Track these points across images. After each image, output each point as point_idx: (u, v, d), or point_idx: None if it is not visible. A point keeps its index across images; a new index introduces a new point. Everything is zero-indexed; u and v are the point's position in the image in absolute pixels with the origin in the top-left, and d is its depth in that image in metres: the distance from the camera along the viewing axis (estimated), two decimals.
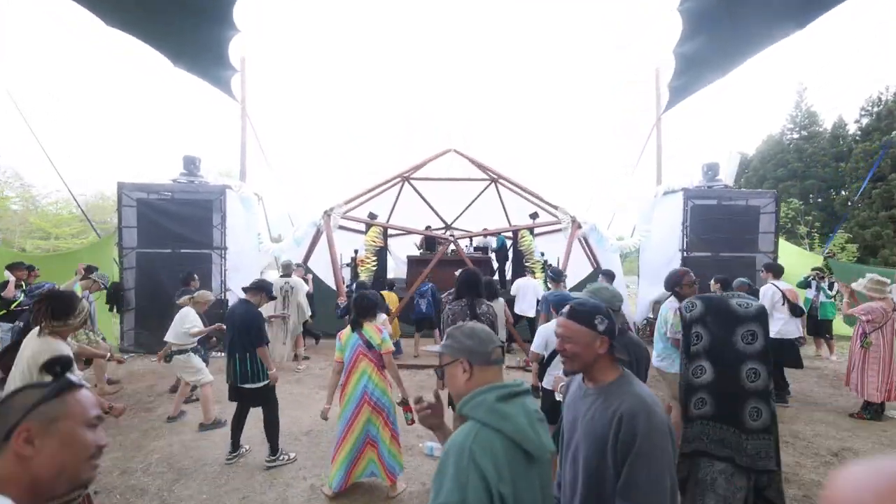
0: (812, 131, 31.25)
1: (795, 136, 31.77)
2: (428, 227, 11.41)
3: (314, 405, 5.19)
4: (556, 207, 8.04)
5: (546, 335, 3.48)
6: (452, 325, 3.53)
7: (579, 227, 7.79)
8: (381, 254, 10.14)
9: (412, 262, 10.06)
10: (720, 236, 7.58)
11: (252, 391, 3.72)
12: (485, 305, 3.27)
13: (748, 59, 7.58)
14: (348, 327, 3.34)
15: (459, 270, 3.50)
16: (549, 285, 5.75)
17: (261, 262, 9.19)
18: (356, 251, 10.11)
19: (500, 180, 10.74)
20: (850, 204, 25.23)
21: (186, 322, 4.46)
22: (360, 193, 8.58)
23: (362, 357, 3.24)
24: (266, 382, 3.76)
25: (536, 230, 10.27)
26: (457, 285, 3.39)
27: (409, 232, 9.48)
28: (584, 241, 8.39)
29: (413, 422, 3.40)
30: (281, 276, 6.95)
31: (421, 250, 10.80)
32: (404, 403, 3.44)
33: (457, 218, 12.59)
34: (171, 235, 7.50)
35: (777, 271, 5.34)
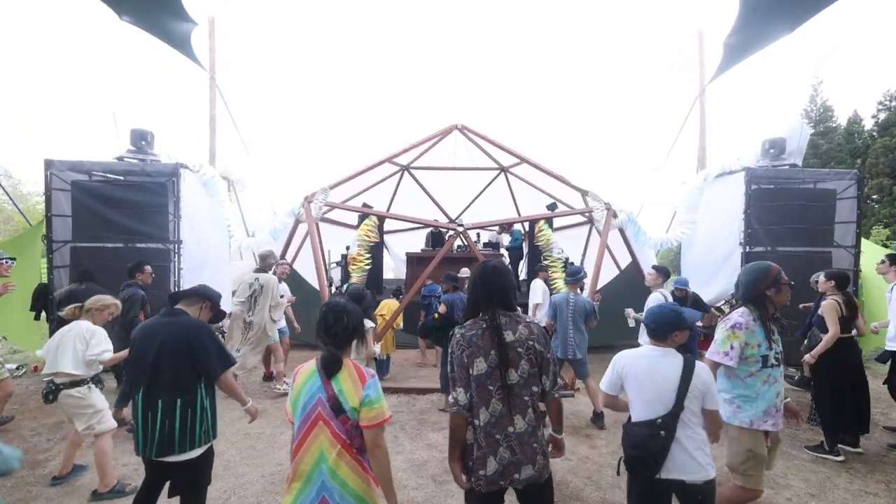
0: (827, 126, 30.29)
1: (810, 131, 30.67)
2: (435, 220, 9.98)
3: (274, 454, 3.76)
4: (585, 193, 6.63)
5: (623, 367, 2.02)
6: (466, 363, 1.68)
7: (615, 216, 6.39)
8: (377, 251, 8.75)
9: (412, 260, 8.68)
10: (788, 227, 6.19)
11: (180, 466, 2.19)
12: (522, 326, 1.77)
13: (821, 10, 6.30)
14: (311, 361, 1.74)
15: (475, 266, 1.95)
16: (566, 287, 4.89)
17: (233, 257, 7.79)
18: (348, 247, 8.76)
19: (515, 167, 9.36)
20: (869, 202, 24.23)
21: (95, 345, 2.96)
22: (349, 176, 7.14)
23: (322, 425, 1.62)
24: (207, 447, 2.26)
25: (554, 224, 8.89)
26: (469, 292, 1.89)
27: (411, 221, 8.05)
28: (620, 234, 6.95)
29: None
30: (254, 272, 5.55)
31: (423, 248, 9.42)
32: None
33: (463, 211, 11.20)
34: (114, 226, 6.06)
35: None
